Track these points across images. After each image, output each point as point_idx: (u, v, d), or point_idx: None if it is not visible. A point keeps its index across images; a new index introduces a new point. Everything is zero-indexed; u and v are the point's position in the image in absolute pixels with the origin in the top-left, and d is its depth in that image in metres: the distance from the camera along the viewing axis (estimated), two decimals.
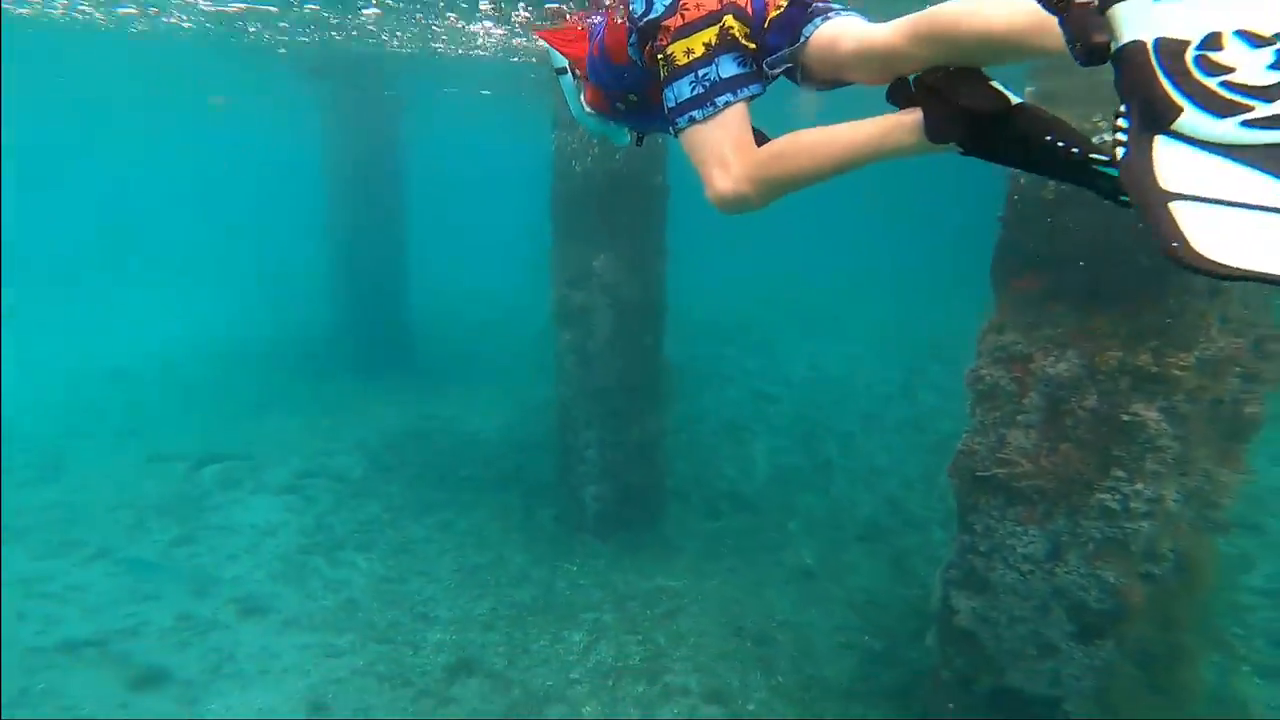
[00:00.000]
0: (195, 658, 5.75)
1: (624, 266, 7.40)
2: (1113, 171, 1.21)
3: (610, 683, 5.44)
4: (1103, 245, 3.57)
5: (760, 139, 1.66)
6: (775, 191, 1.57)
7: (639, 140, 2.38)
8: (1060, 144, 1.25)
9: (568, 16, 7.46)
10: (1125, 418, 3.56)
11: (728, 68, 1.62)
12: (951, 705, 4.60)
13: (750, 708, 5.15)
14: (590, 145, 7.15)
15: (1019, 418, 3.90)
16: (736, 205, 1.61)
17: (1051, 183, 3.68)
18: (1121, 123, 0.93)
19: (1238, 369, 3.64)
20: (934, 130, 1.35)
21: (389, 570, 7.24)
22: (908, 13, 1.41)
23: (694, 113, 1.63)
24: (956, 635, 4.44)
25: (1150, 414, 3.51)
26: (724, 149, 1.60)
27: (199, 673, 5.59)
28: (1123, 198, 1.20)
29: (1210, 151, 0.86)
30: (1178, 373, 3.44)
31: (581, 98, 2.26)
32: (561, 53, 2.27)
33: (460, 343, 15.26)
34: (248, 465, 9.26)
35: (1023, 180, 3.85)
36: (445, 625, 6.31)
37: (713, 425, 10.56)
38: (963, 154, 1.37)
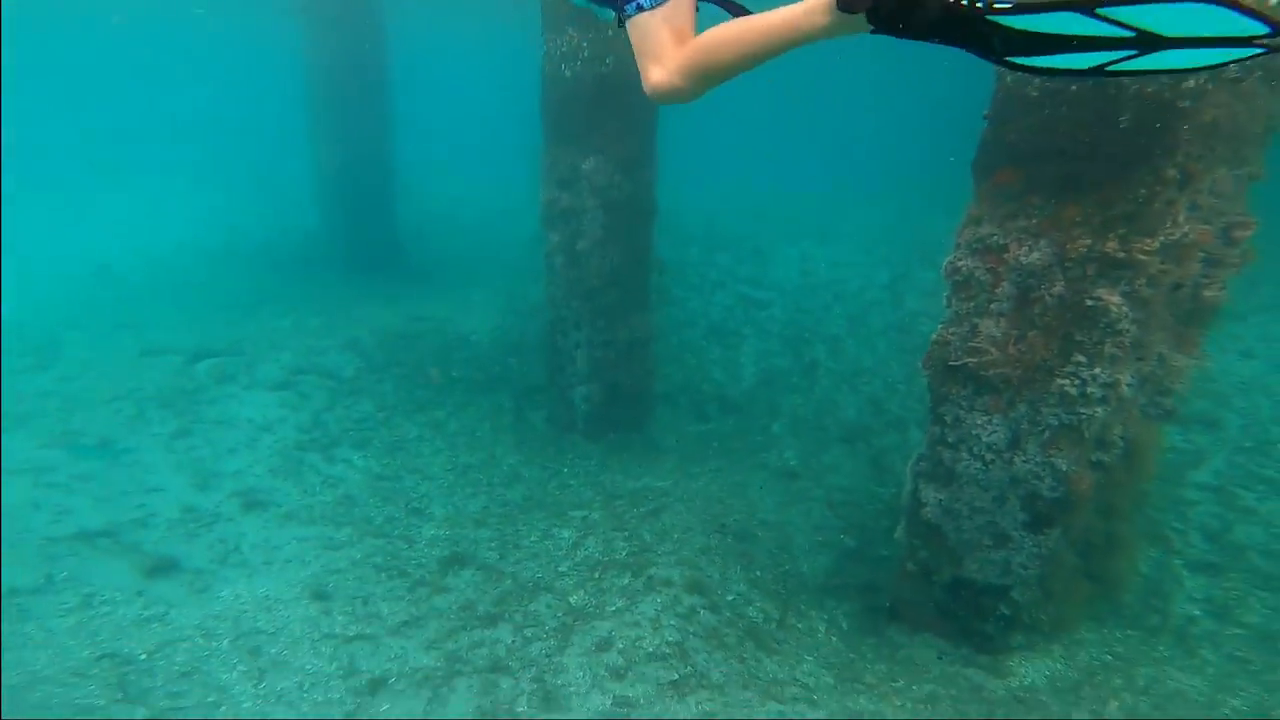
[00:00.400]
0: (203, 548, 6.04)
1: (614, 169, 7.31)
2: (1005, 19, 1.38)
3: (597, 575, 5.75)
4: (1080, 140, 3.51)
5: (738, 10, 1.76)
6: (705, 83, 1.68)
7: (619, 22, 2.29)
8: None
9: None
10: (1089, 303, 3.64)
11: None
12: (913, 597, 4.90)
13: (729, 598, 5.47)
14: (580, 49, 6.85)
15: (991, 306, 3.93)
16: (669, 96, 1.73)
17: (1036, 80, 3.57)
18: None
19: (1202, 254, 3.66)
20: (844, 1, 1.45)
21: (384, 468, 7.46)
22: None
23: (642, 0, 1.74)
24: (923, 528, 4.64)
25: (1113, 299, 3.59)
26: (663, 41, 1.70)
27: (207, 562, 5.89)
28: (1009, 58, 1.43)
29: None
30: (1142, 257, 3.48)
31: None
32: None
33: (452, 246, 14.95)
34: (241, 361, 9.29)
35: (1008, 79, 3.73)
36: (439, 521, 6.59)
37: (703, 330, 10.51)
38: (873, 31, 1.47)
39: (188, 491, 6.81)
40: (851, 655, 4.89)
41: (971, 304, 4.02)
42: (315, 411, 8.36)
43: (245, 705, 4.42)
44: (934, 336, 4.25)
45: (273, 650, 4.87)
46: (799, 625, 5.23)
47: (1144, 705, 4.05)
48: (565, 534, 6.37)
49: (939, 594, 4.74)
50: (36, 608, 5.26)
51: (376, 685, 4.56)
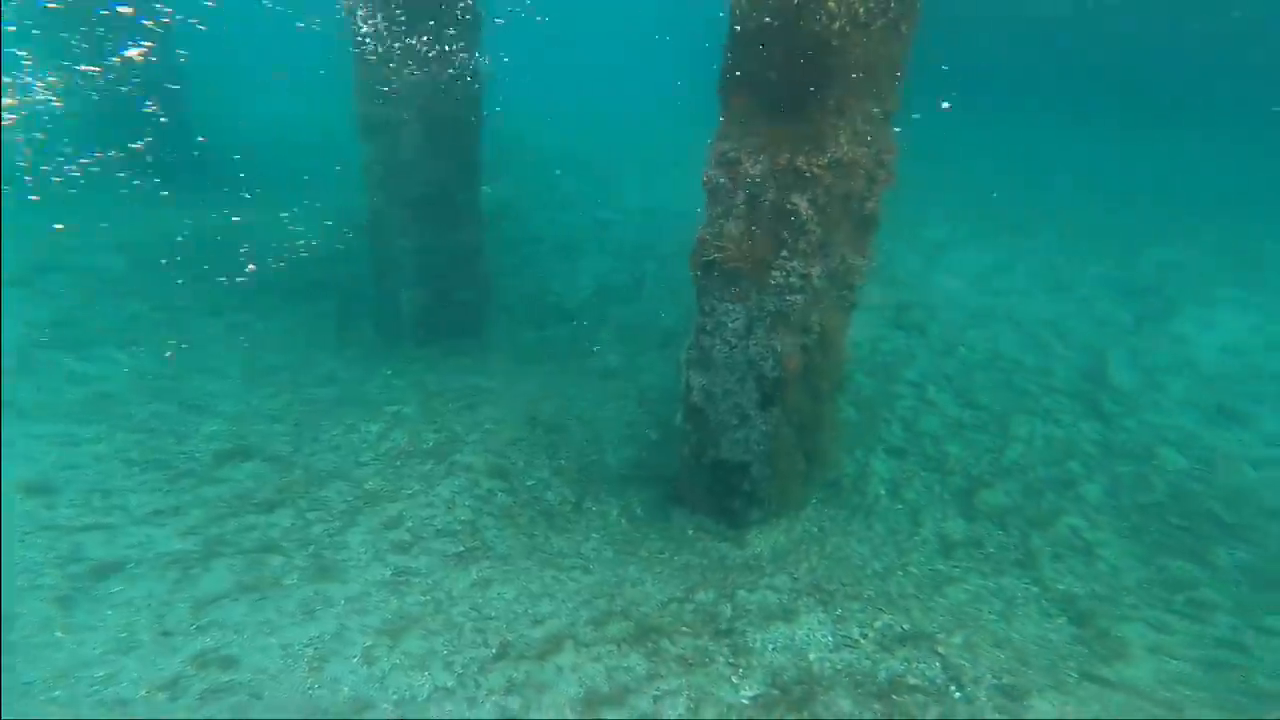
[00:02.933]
0: None
1: (434, 84, 7.09)
2: None
3: (399, 463, 5.60)
4: (780, 73, 4.12)
5: None
6: None
7: None
8: None
9: None
10: (788, 207, 4.30)
11: None
12: (689, 479, 5.27)
13: (529, 484, 5.58)
14: None
15: (732, 211, 4.45)
16: None
17: (756, 15, 4.11)
18: None
19: (862, 172, 4.38)
20: None
21: (158, 367, 6.64)
22: None
23: None
24: (693, 412, 5.01)
25: (802, 204, 4.28)
26: None
27: None
28: None
29: None
30: (818, 171, 4.21)
31: None
32: None
33: (281, 160, 13.34)
34: None
35: (737, 11, 4.19)
36: (225, 418, 6.02)
37: (548, 246, 10.38)
38: None
39: None
40: (635, 534, 5.22)
41: (719, 209, 4.51)
42: (66, 309, 7.20)
43: None
44: (695, 237, 4.68)
45: None
46: (593, 509, 5.47)
47: (823, 566, 4.75)
48: (373, 428, 6.11)
49: (705, 475, 5.20)
50: None
51: (106, 569, 4.12)
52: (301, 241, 9.59)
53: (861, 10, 3.93)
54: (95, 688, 3.29)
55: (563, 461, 5.96)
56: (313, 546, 4.55)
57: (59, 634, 3.59)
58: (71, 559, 4.14)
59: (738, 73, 4.30)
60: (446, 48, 7.01)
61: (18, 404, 5.68)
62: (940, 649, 3.72)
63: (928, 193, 9.75)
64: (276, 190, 11.42)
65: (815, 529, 5.20)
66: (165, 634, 3.65)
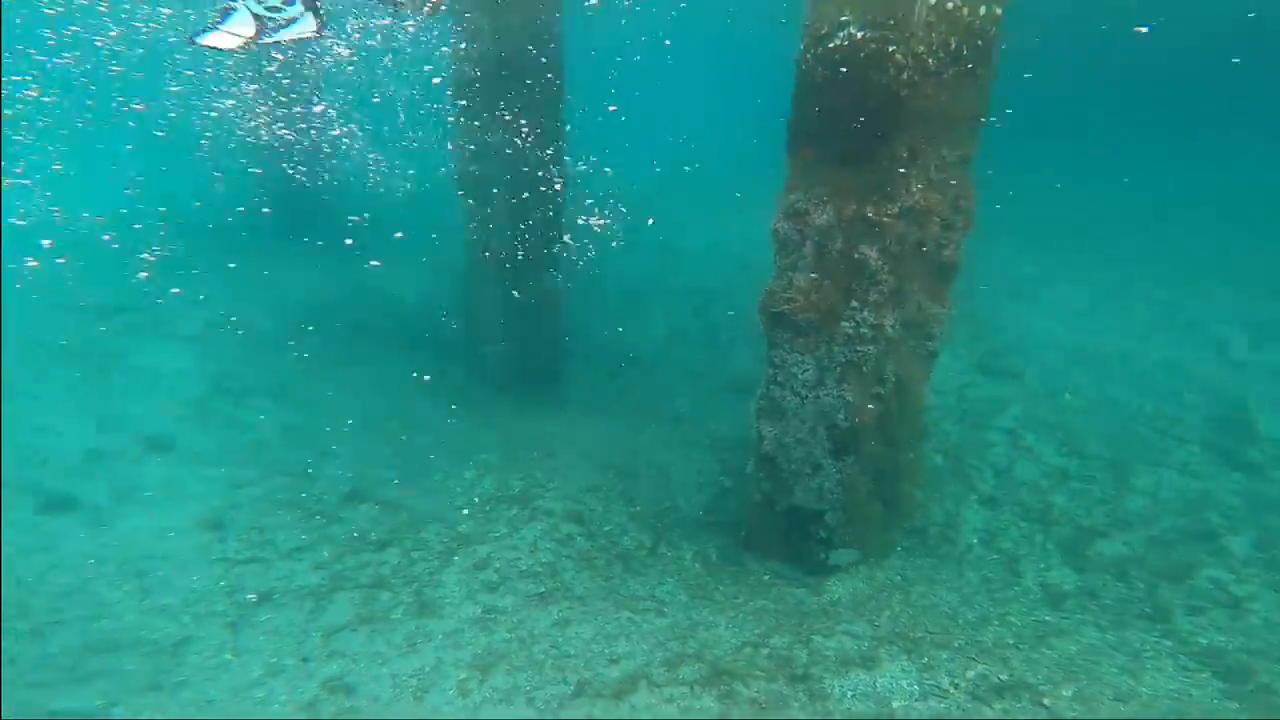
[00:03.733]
0: (101, 487, 6.20)
1: (520, 147, 7.78)
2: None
3: (488, 508, 6.16)
4: (846, 122, 4.23)
5: None
6: None
7: None
8: None
9: None
10: (857, 257, 4.36)
11: None
12: (762, 526, 5.44)
13: (606, 528, 5.95)
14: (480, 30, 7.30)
15: (800, 262, 4.59)
16: None
17: (822, 69, 4.26)
18: None
19: (938, 219, 4.35)
20: None
21: (298, 417, 7.67)
22: None
23: None
24: (764, 461, 5.19)
25: (872, 253, 4.33)
26: None
27: (105, 499, 6.06)
28: None
29: None
30: (888, 220, 4.23)
31: None
32: None
33: (376, 214, 14.96)
34: (154, 316, 9.31)
35: (803, 65, 4.38)
36: (346, 463, 6.88)
37: (617, 291, 10.94)
38: None
39: (90, 434, 6.91)
40: (709, 579, 5.41)
41: (788, 260, 4.65)
42: (230, 363, 8.48)
43: (128, 618, 4.68)
44: (765, 288, 4.85)
45: (161, 573, 5.13)
46: (668, 553, 5.74)
47: (907, 614, 4.68)
48: (466, 474, 6.75)
49: (780, 522, 5.31)
50: None
51: (261, 599, 4.89)
52: (405, 298, 10.70)
53: (931, 60, 3.99)
54: (257, 707, 3.94)
55: (637, 507, 6.29)
56: (415, 585, 5.13)
57: (229, 657, 4.31)
58: (236, 589, 4.97)
59: (805, 123, 4.44)
60: (531, 117, 7.63)
61: (195, 449, 6.83)
62: (1046, 701, 3.58)
63: (1014, 224, 9.51)
64: (386, 246, 12.80)
65: (898, 576, 5.17)
66: (303, 660, 4.29)
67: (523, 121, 7.67)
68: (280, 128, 12.57)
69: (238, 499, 6.14)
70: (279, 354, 8.85)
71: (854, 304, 4.45)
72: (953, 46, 4.00)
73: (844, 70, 4.08)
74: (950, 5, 3.90)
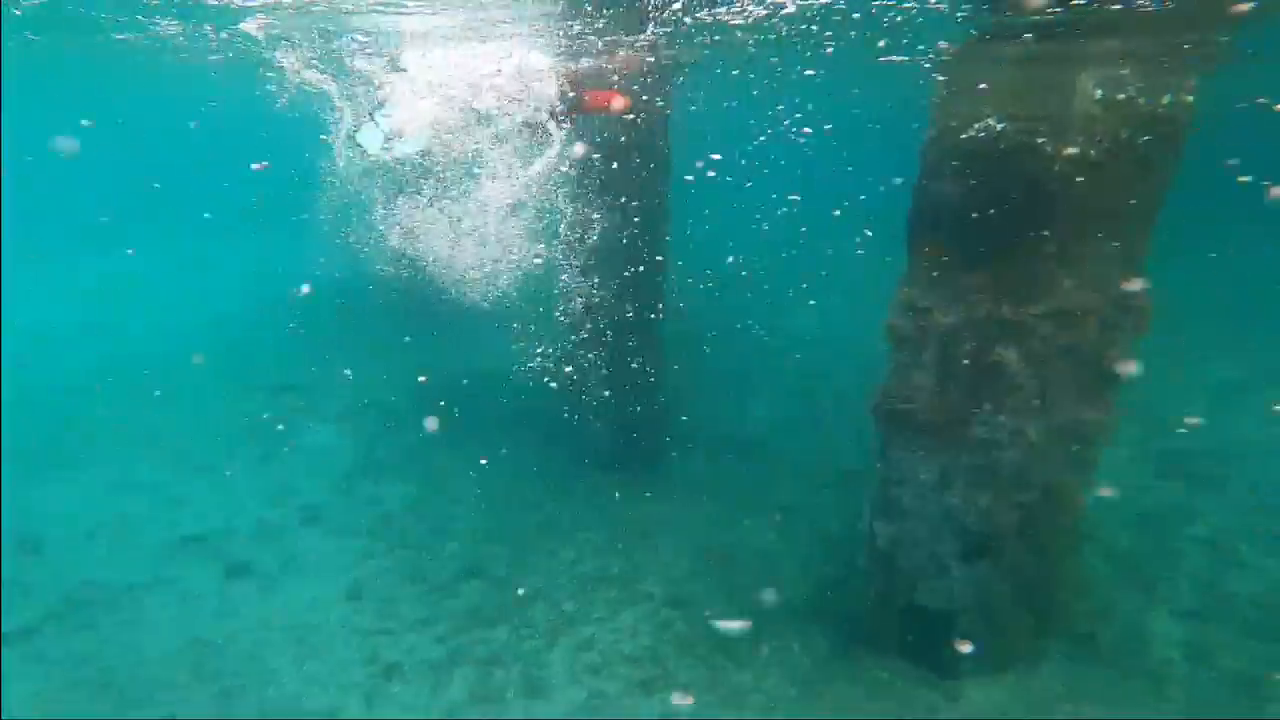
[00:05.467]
0: (271, 554, 7.18)
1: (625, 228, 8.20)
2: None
3: (589, 588, 6.42)
4: (980, 217, 4.02)
5: None
6: None
7: None
8: None
9: None
10: (991, 360, 4.12)
11: None
12: (877, 622, 5.29)
13: (705, 614, 6.01)
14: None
15: (921, 360, 4.46)
16: None
17: (953, 161, 4.15)
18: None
19: (1094, 320, 4.02)
20: None
21: (420, 492, 8.49)
22: None
23: None
24: (879, 557, 5.07)
25: (1010, 355, 4.07)
26: None
27: (273, 566, 7.01)
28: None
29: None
30: (1030, 320, 3.96)
31: None
32: None
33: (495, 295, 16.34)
34: (312, 397, 10.79)
35: (931, 155, 4.31)
36: (461, 538, 7.49)
37: (720, 375, 11.19)
38: None
39: (263, 507, 8.06)
40: (818, 674, 5.25)
41: (905, 358, 4.54)
42: (369, 441, 9.59)
43: (288, 686, 5.34)
44: (879, 387, 4.78)
45: (314, 640, 5.82)
46: (773, 644, 5.65)
47: None
48: (568, 553, 7.10)
49: (898, 619, 5.10)
50: (147, 600, 6.46)
51: (391, 671, 5.40)
52: (516, 379, 11.57)
53: (1093, 152, 3.62)
54: None
55: (738, 594, 6.30)
56: (523, 663, 5.44)
57: None
58: (371, 659, 5.53)
59: (928, 215, 4.20)
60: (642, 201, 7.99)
61: (338, 521, 7.74)
62: None
63: (1211, 319, 8.80)
64: (491, 333, 13.96)
65: (1060, 686, 4.80)
66: None
67: (634, 204, 8.03)
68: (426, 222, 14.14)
69: (371, 570, 6.86)
70: (405, 433, 9.88)
71: (987, 407, 4.22)
72: (1123, 137, 3.64)
73: (979, 163, 3.82)
74: (1121, 96, 3.56)
